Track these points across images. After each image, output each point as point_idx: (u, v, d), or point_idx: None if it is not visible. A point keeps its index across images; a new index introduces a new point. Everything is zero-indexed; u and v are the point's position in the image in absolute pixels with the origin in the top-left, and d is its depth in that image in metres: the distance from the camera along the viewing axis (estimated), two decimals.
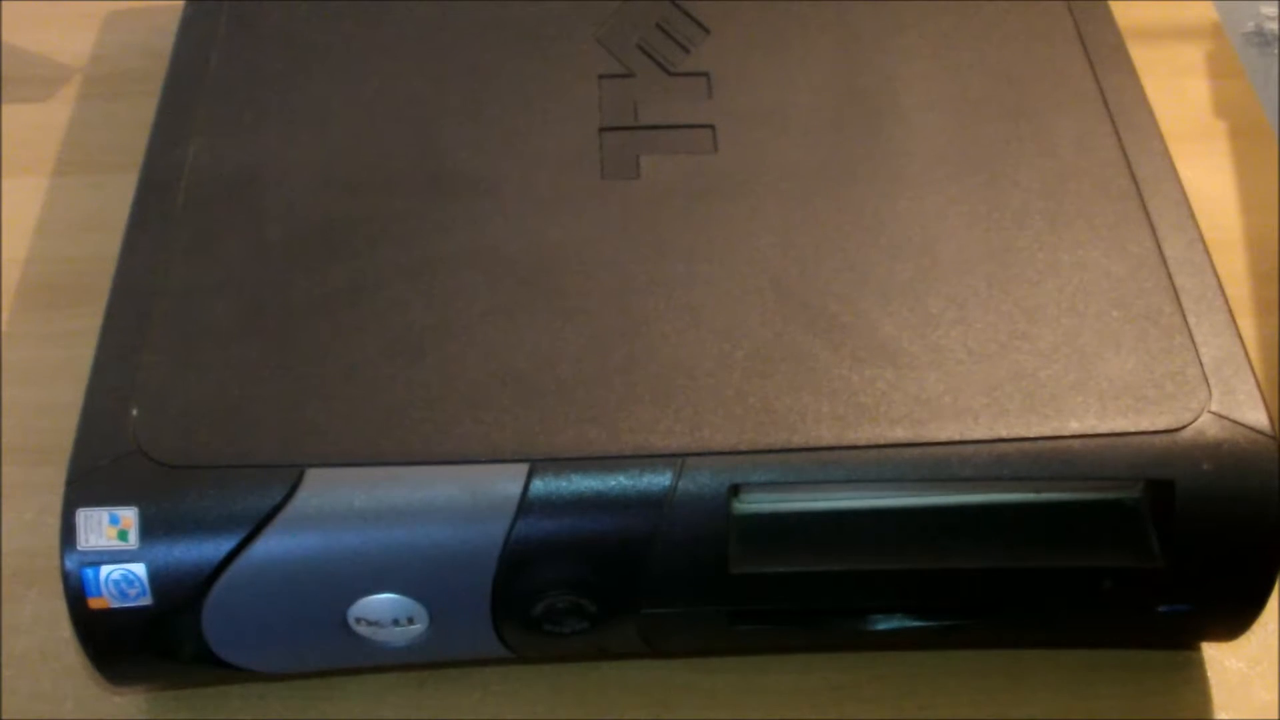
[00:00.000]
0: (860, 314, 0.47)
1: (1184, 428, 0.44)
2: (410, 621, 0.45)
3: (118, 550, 0.43)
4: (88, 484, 0.44)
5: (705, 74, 0.56)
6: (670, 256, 0.49)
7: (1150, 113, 0.54)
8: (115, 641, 0.44)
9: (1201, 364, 0.46)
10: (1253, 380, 0.46)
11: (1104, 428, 0.44)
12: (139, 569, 0.43)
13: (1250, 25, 1.26)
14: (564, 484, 0.43)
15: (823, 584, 0.45)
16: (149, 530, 0.43)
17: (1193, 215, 0.51)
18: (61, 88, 0.71)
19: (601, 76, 0.56)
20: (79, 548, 0.43)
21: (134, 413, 0.45)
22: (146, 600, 0.43)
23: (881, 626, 0.47)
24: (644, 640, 0.47)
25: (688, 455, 0.44)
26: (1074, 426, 0.44)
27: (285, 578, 0.43)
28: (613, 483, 0.43)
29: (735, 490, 0.44)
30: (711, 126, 0.54)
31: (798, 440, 0.44)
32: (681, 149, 0.53)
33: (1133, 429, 0.44)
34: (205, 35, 0.58)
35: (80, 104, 0.70)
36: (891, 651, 0.51)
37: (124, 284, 0.49)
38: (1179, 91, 0.69)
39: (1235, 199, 0.65)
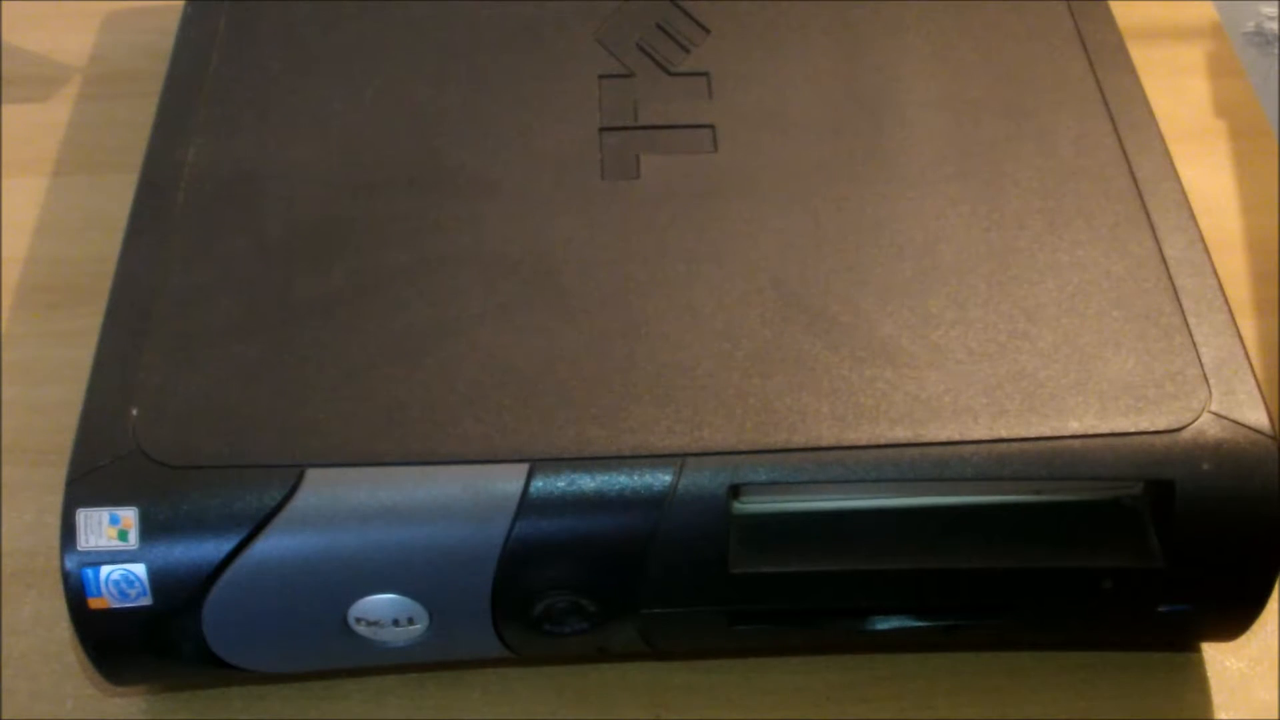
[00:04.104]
0: (860, 314, 0.47)
1: (1184, 428, 0.44)
2: (410, 621, 0.45)
3: (118, 550, 0.43)
4: (88, 484, 0.44)
5: (705, 74, 0.56)
6: (670, 256, 0.49)
7: (1150, 113, 0.54)
8: (115, 641, 0.44)
9: (1201, 364, 0.46)
10: (1253, 380, 0.46)
11: (1104, 428, 0.44)
12: (139, 569, 0.43)
13: (1250, 25, 1.26)
14: (564, 484, 0.43)
15: (823, 584, 0.45)
16: (149, 530, 0.43)
17: (1193, 215, 0.51)
18: (61, 88, 0.71)
19: (601, 76, 0.56)
20: (79, 548, 0.43)
21: (134, 413, 0.45)
22: (146, 600, 0.43)
23: (881, 627, 0.47)
24: (644, 640, 0.47)
25: (688, 455, 0.44)
26: (1074, 426, 0.44)
27: (285, 578, 0.43)
28: (613, 483, 0.43)
29: (735, 490, 0.44)
30: (711, 126, 0.54)
31: (798, 440, 0.44)
32: (681, 149, 0.53)
33: (1132, 429, 0.44)
34: (205, 35, 0.58)
35: (80, 104, 0.70)
36: (891, 652, 0.51)
37: (124, 284, 0.49)
38: (1179, 91, 0.69)
39: (1235, 199, 0.65)
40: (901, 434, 0.44)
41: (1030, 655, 0.50)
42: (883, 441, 0.44)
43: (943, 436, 0.44)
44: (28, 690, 0.50)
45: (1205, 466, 0.44)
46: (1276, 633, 0.51)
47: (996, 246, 0.50)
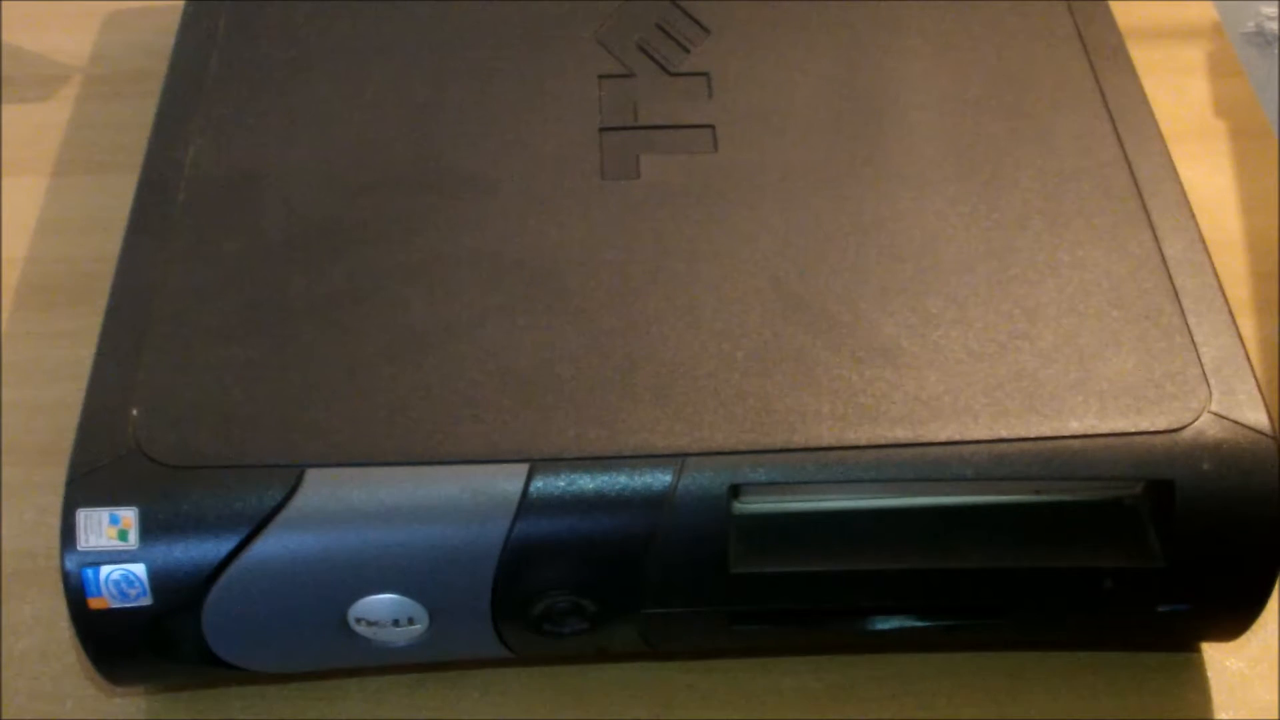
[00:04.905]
0: (860, 314, 0.47)
1: (1184, 428, 0.44)
2: (410, 621, 0.45)
3: (118, 550, 0.43)
4: (88, 484, 0.44)
5: (705, 74, 0.56)
6: (670, 256, 0.49)
7: (1150, 113, 0.54)
8: (115, 641, 0.44)
9: (1201, 364, 0.46)
10: (1253, 380, 0.46)
11: (1104, 428, 0.44)
12: (139, 569, 0.43)
13: (1250, 25, 1.26)
14: (564, 484, 0.43)
15: (823, 584, 0.45)
16: (149, 530, 0.43)
17: (1193, 215, 0.51)
18: (61, 88, 0.71)
19: (601, 76, 0.56)
20: (79, 548, 0.43)
21: (134, 413, 0.45)
22: (146, 600, 0.43)
23: (881, 627, 0.47)
24: (644, 640, 0.47)
25: (688, 455, 0.44)
26: (1074, 426, 0.44)
27: (285, 578, 0.43)
28: (613, 483, 0.43)
29: (735, 490, 0.44)
30: (711, 126, 0.54)
31: (798, 440, 0.44)
32: (681, 149, 0.53)
33: (1133, 429, 0.44)
34: (205, 35, 0.58)
35: (80, 104, 0.70)
36: (891, 652, 0.51)
37: (124, 284, 0.49)
38: (1179, 91, 0.69)
39: (1235, 199, 0.65)
40: (901, 434, 0.44)
41: (1030, 655, 0.50)
42: (883, 441, 0.44)
43: (943, 436, 0.44)
44: (28, 690, 0.50)
45: (1205, 466, 0.44)
46: (1276, 633, 0.51)
47: (996, 246, 0.50)
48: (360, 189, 0.52)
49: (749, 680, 0.50)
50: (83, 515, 0.43)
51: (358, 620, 0.45)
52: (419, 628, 0.45)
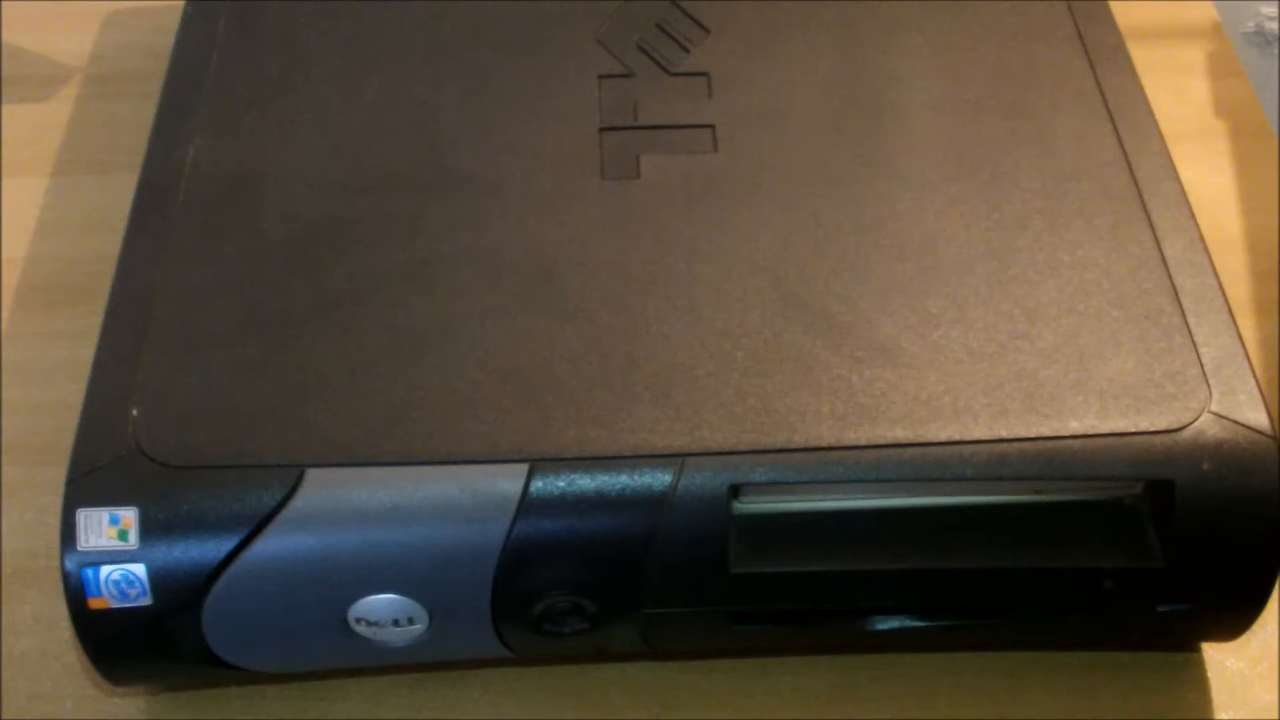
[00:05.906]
0: (860, 314, 0.47)
1: (1184, 428, 0.44)
2: (410, 621, 0.45)
3: (118, 550, 0.43)
4: (88, 484, 0.44)
5: (705, 74, 0.56)
6: (670, 256, 0.49)
7: (1150, 113, 0.54)
8: (115, 641, 0.44)
9: (1201, 364, 0.46)
10: (1253, 380, 0.46)
11: (1104, 428, 0.44)
12: (139, 569, 0.43)
13: (1250, 25, 1.26)
14: (564, 484, 0.43)
15: (823, 584, 0.45)
16: (149, 530, 0.43)
17: (1193, 215, 0.51)
18: (61, 88, 0.71)
19: (601, 76, 0.56)
20: (79, 548, 0.43)
21: (134, 413, 0.45)
22: (146, 600, 0.43)
23: (881, 627, 0.47)
24: (644, 640, 0.47)
25: (688, 455, 0.44)
26: (1074, 426, 0.44)
27: (285, 578, 0.43)
28: (613, 483, 0.43)
29: (735, 490, 0.44)
30: (711, 126, 0.54)
31: (798, 440, 0.44)
32: (681, 149, 0.53)
33: (1132, 429, 0.44)
34: (205, 35, 0.58)
35: (80, 104, 0.70)
36: (891, 652, 0.51)
37: (124, 284, 0.49)
38: (1179, 91, 0.69)
39: (1235, 199, 0.65)
40: (901, 434, 0.44)
41: (1030, 655, 0.50)
42: (883, 441, 0.44)
43: (943, 436, 0.44)
44: (28, 690, 0.50)
45: (1205, 466, 0.44)
46: (1276, 633, 0.51)
47: (996, 246, 0.50)
48: (360, 189, 0.52)
49: (749, 680, 0.50)
50: (83, 515, 0.43)
51: (358, 620, 0.45)
52: (419, 628, 0.45)
